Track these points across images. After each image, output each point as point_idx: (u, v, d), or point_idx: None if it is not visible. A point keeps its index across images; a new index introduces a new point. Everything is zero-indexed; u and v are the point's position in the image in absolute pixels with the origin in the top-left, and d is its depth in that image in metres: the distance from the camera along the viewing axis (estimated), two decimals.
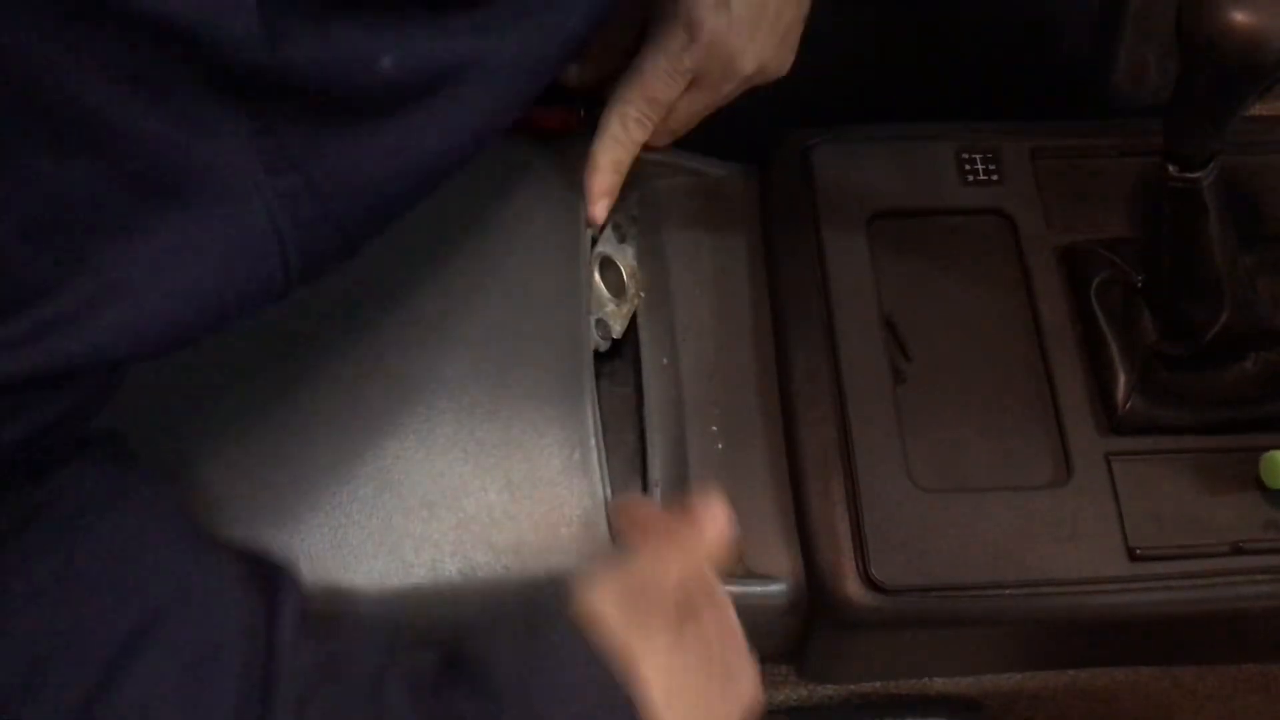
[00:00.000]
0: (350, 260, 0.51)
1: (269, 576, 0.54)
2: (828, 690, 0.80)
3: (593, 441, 0.70)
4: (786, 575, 0.72)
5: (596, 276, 0.78)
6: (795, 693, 0.80)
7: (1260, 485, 0.72)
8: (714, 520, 0.64)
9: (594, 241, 0.79)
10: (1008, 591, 0.70)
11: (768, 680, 0.79)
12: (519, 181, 0.78)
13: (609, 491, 0.71)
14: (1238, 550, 0.71)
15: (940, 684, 0.81)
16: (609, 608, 0.58)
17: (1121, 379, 0.74)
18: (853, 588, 0.70)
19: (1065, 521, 0.71)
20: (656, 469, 0.75)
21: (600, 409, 0.77)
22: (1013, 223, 0.81)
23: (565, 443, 0.70)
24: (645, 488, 0.75)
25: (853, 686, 0.80)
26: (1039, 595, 0.70)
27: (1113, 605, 0.70)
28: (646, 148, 0.78)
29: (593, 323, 0.76)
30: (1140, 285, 0.76)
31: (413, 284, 0.74)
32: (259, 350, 0.69)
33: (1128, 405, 0.74)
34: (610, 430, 0.77)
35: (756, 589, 0.72)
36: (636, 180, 0.84)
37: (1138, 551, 0.71)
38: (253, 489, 0.67)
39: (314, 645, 0.52)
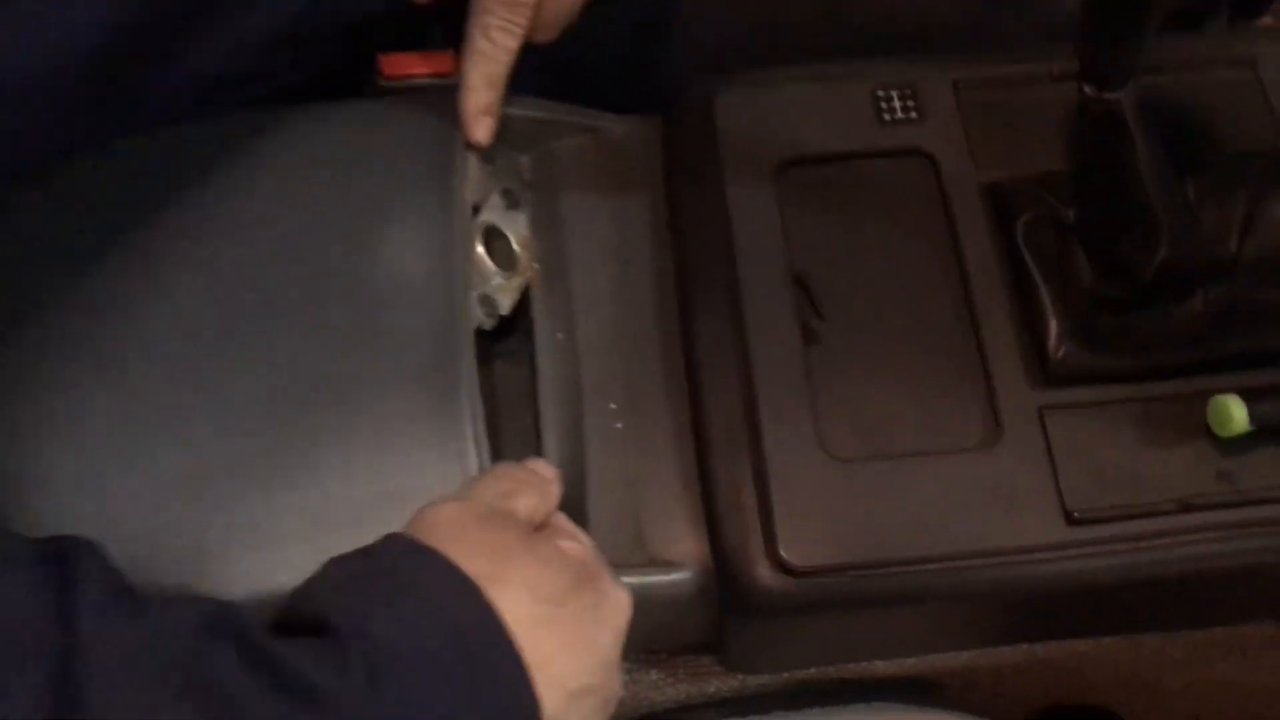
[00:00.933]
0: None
1: (63, 559, 0.48)
2: (761, 679, 0.74)
3: (468, 430, 0.64)
4: (693, 561, 0.66)
5: (480, 249, 0.72)
6: (726, 684, 0.74)
7: (1209, 434, 0.65)
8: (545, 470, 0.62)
9: (476, 210, 0.73)
10: (933, 566, 0.64)
11: (693, 672, 0.73)
12: (382, 145, 0.72)
13: None
14: (1187, 507, 0.64)
15: (884, 666, 0.75)
16: (452, 526, 0.53)
17: (1053, 325, 0.68)
18: (761, 572, 0.64)
19: (995, 486, 0.65)
20: (552, 452, 0.69)
21: (494, 391, 0.71)
22: (934, 162, 0.74)
23: (438, 432, 0.65)
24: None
25: (786, 675, 0.74)
26: (968, 569, 0.64)
27: (1051, 575, 0.64)
28: (535, 48, 0.72)
29: (475, 300, 0.70)
30: (1071, 222, 0.70)
31: (266, 262, 0.68)
32: (99, 331, 0.64)
33: (1060, 353, 0.67)
34: (503, 414, 0.71)
35: (660, 578, 0.66)
36: (529, 142, 0.79)
37: (1075, 515, 0.64)
38: (94, 477, 0.61)
39: (124, 626, 0.47)
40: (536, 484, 0.59)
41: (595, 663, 0.54)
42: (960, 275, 0.70)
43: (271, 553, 0.61)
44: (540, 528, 0.58)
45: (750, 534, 0.65)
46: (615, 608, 0.56)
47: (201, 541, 0.61)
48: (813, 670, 0.74)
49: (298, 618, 0.51)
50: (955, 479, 0.65)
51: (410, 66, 0.76)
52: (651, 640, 0.69)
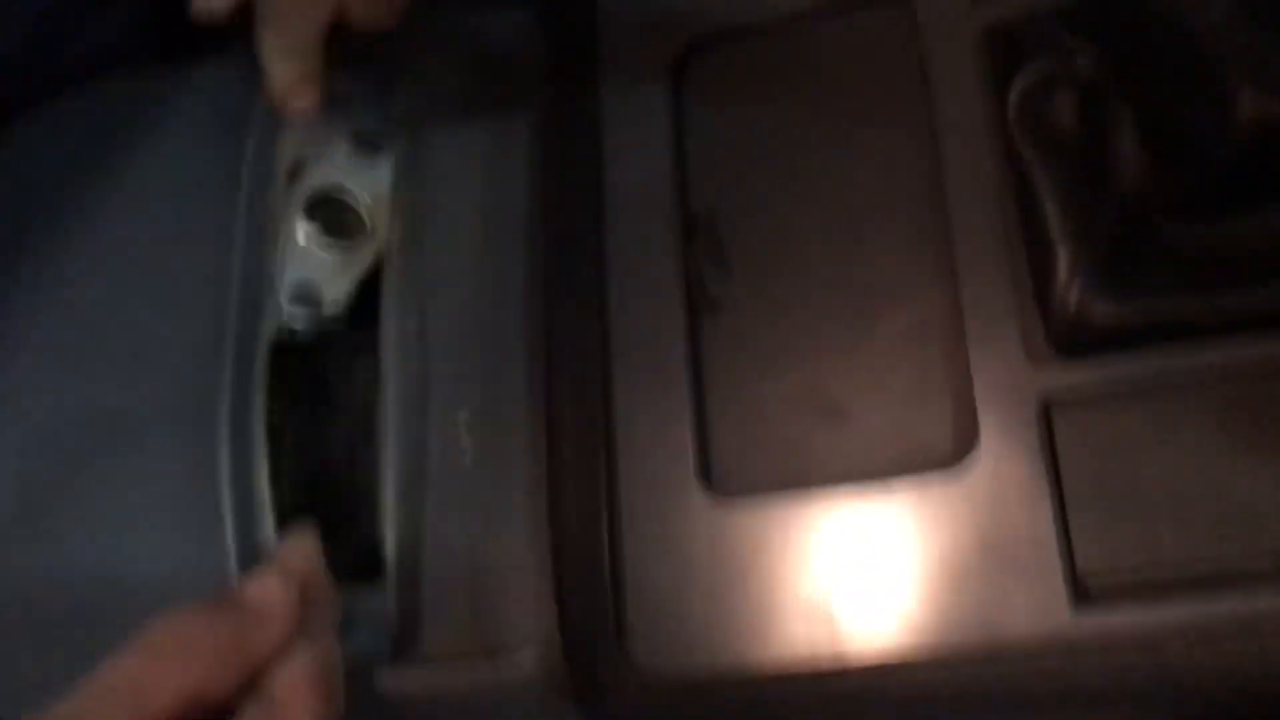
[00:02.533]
0: None
1: None
2: None
3: (224, 479, 0.48)
4: (539, 644, 0.47)
5: (301, 223, 0.54)
6: None
7: None
8: (273, 601, 0.41)
9: (296, 171, 0.55)
10: (854, 681, 0.41)
11: None
12: (171, 117, 0.56)
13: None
14: None
15: None
16: None
17: (1063, 252, 0.41)
18: (606, 673, 0.44)
19: (960, 536, 0.40)
20: (390, 493, 0.51)
21: (318, 412, 0.54)
22: (912, 11, 0.48)
23: (186, 494, 0.49)
24: (375, 526, 0.52)
25: None
26: (909, 681, 0.40)
27: (1050, 684, 0.39)
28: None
29: (282, 295, 0.53)
30: (1108, 79, 0.42)
31: (40, 277, 0.54)
32: None
33: (1075, 299, 0.40)
34: (335, 439, 0.54)
35: (490, 669, 0.47)
36: (396, 64, 0.59)
37: (1091, 586, 0.39)
38: None
39: None
40: (222, 636, 0.41)
41: None
42: (940, 190, 0.45)
43: None
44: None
45: (599, 619, 0.44)
46: None
47: None
48: None
49: None
50: (901, 524, 0.41)
51: None
52: None
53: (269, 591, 0.42)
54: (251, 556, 0.49)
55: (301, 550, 0.47)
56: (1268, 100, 0.36)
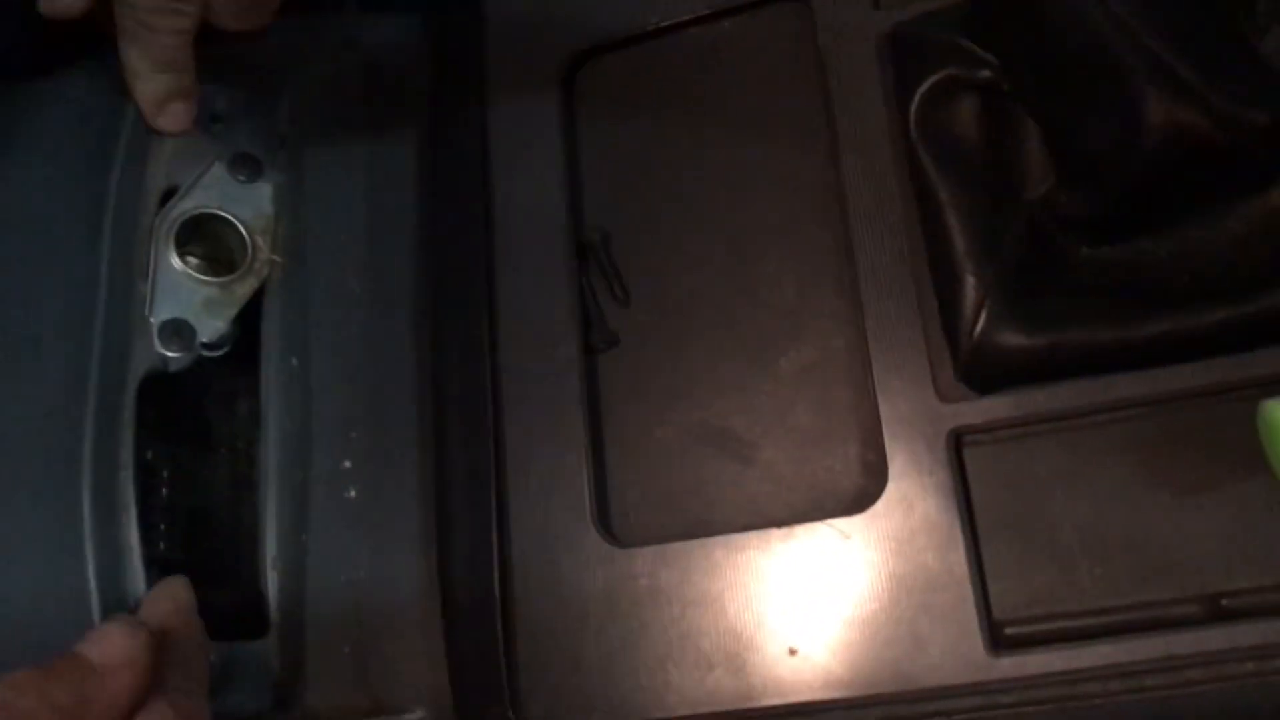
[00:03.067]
0: None
1: None
2: None
3: (88, 546, 0.44)
4: (428, 702, 0.44)
5: (173, 256, 0.51)
6: None
7: (1257, 467, 0.34)
8: (119, 658, 0.38)
9: (167, 196, 0.51)
10: None
11: None
12: (14, 140, 0.52)
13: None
14: (1218, 611, 0.34)
15: None
16: None
17: (970, 279, 0.38)
18: None
19: (872, 579, 0.38)
20: (271, 541, 0.48)
21: (190, 455, 0.51)
22: (810, 15, 0.45)
23: (52, 547, 0.45)
24: (255, 572, 0.48)
25: None
26: None
27: None
28: (243, 36, 0.50)
29: (154, 331, 0.49)
30: (1010, 87, 0.39)
31: None
32: None
33: (982, 329, 0.37)
34: (205, 492, 0.51)
35: None
36: (280, 75, 0.56)
37: (1008, 631, 0.36)
38: None
39: None
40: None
41: None
42: (840, 204, 0.42)
43: None
44: None
45: (491, 674, 0.41)
46: None
47: None
48: None
49: None
50: (809, 568, 0.38)
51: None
52: None
53: (114, 647, 0.39)
54: (117, 605, 0.45)
55: (167, 599, 0.44)
56: (1177, 107, 0.34)
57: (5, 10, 0.58)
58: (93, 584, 0.45)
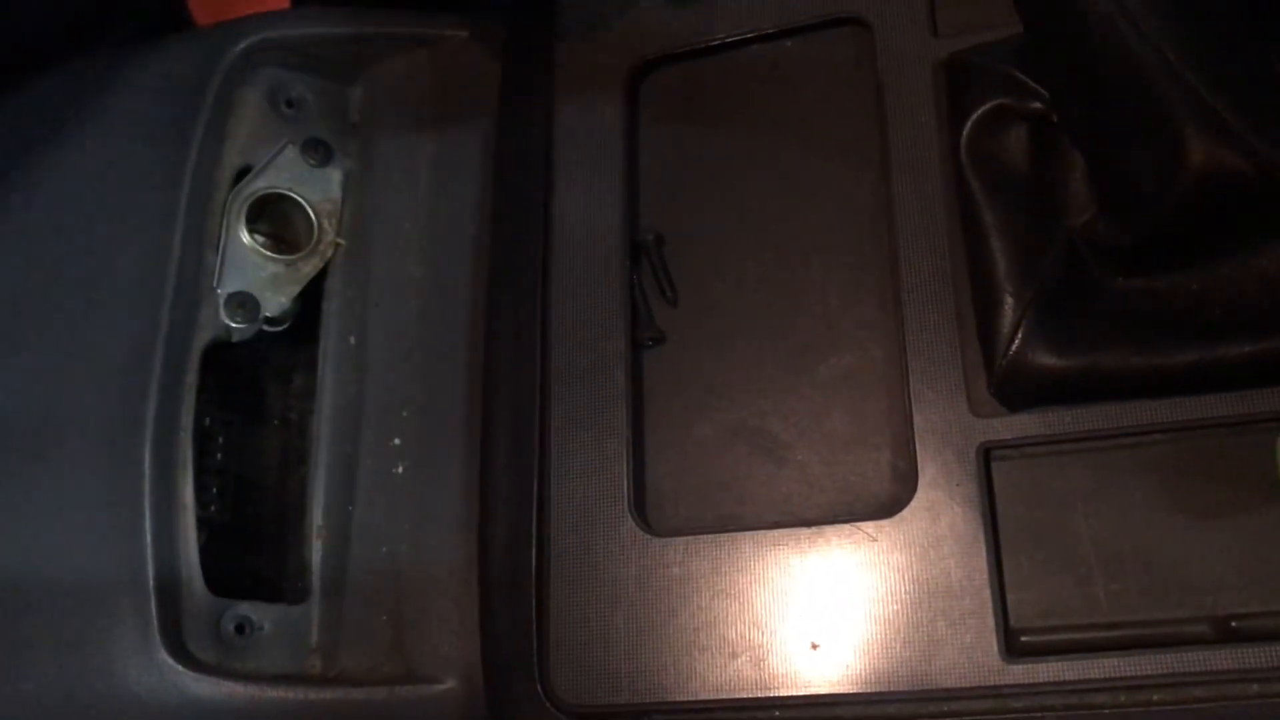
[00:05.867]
0: None
1: None
2: None
3: (145, 501, 0.46)
4: (459, 671, 0.45)
5: (243, 232, 0.53)
6: None
7: (1271, 497, 0.36)
8: None
9: (241, 175, 0.54)
10: (777, 715, 0.39)
11: None
12: (99, 112, 0.54)
13: (185, 571, 0.47)
14: (1228, 631, 0.36)
15: None
16: None
17: (1009, 300, 0.39)
18: (526, 704, 0.42)
19: (894, 581, 0.39)
20: (318, 511, 0.50)
21: (252, 423, 0.53)
22: (870, 33, 0.46)
23: (112, 501, 0.47)
24: (301, 539, 0.50)
25: None
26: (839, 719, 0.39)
27: None
28: None
29: (220, 304, 0.51)
30: (1059, 118, 0.41)
31: None
32: None
33: (1018, 349, 0.39)
34: (267, 448, 0.53)
35: (410, 693, 0.45)
36: (353, 68, 0.58)
37: (1023, 639, 0.37)
38: None
39: None
40: None
41: None
42: (889, 226, 0.43)
43: None
44: None
45: (522, 650, 0.43)
46: None
47: None
48: None
49: None
50: (835, 567, 0.40)
51: (231, 10, 0.58)
52: None
53: None
54: (172, 570, 0.47)
55: None
56: (1217, 148, 0.35)
57: None
58: (148, 539, 0.47)
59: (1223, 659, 0.35)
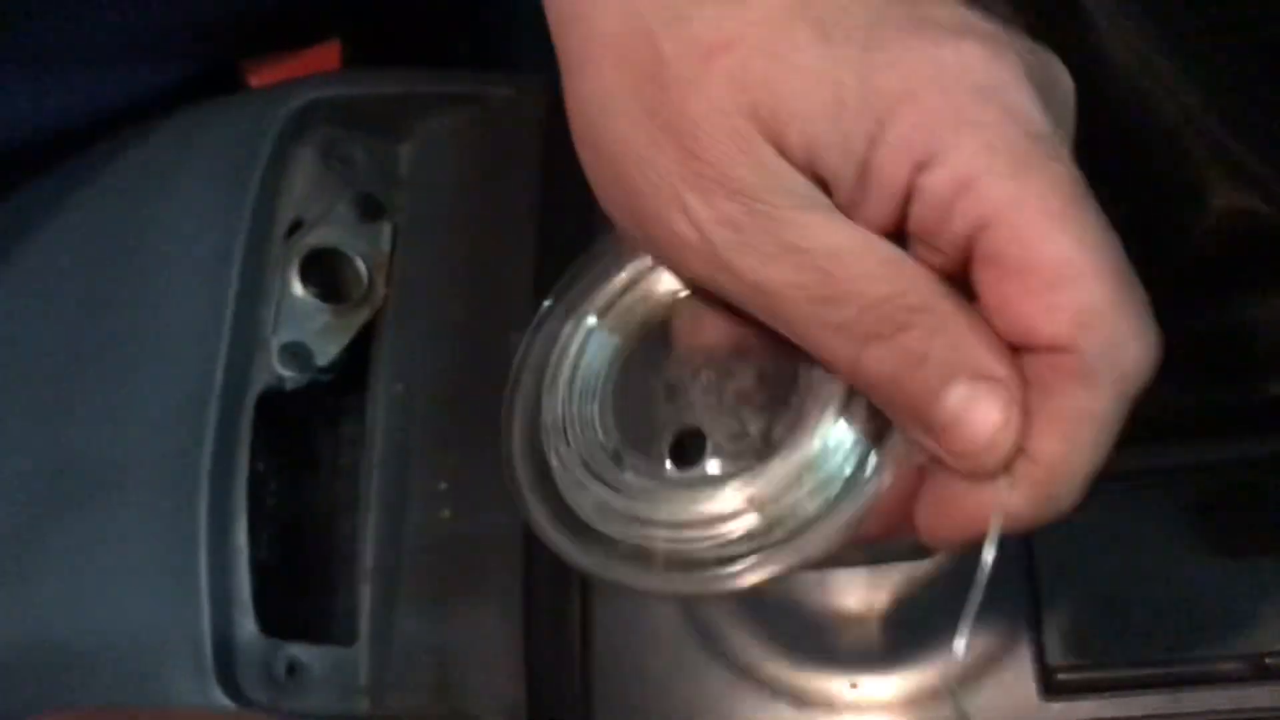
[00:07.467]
0: None
1: None
2: None
3: (201, 546, 0.48)
4: (504, 714, 0.46)
5: (296, 284, 0.55)
6: None
7: None
8: None
9: (294, 229, 0.56)
10: None
11: None
12: (175, 165, 0.56)
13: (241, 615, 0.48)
14: (1261, 669, 0.36)
15: None
16: None
17: None
18: None
19: (929, 620, 0.40)
20: (367, 554, 0.51)
21: (303, 470, 0.54)
22: None
23: (169, 546, 0.49)
24: (351, 582, 0.52)
25: None
26: None
27: None
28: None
29: (274, 353, 0.53)
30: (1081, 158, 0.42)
31: (45, 317, 0.55)
32: None
33: None
34: (317, 497, 0.54)
35: None
36: (402, 126, 0.60)
37: (1060, 677, 0.38)
38: None
39: None
40: None
41: None
42: None
43: None
44: None
45: (568, 693, 0.44)
46: None
47: None
48: None
49: None
50: (866, 605, 0.41)
51: (283, 73, 0.61)
52: None
53: None
54: (226, 613, 0.49)
55: None
56: (1240, 195, 0.36)
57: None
58: (204, 581, 0.48)
59: (1258, 697, 0.35)
